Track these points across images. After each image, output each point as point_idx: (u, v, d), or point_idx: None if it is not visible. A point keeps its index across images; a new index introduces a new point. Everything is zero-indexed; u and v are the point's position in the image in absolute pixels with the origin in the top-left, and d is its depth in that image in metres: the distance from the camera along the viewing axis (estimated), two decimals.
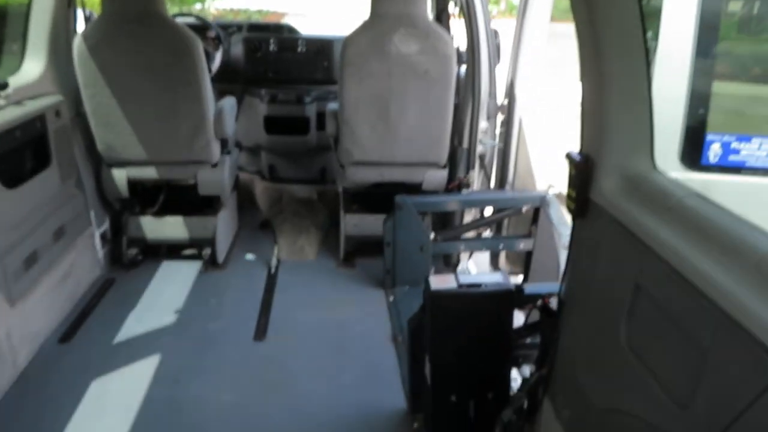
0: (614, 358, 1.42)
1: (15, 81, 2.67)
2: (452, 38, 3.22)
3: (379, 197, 3.44)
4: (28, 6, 2.91)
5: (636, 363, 1.33)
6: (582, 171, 1.61)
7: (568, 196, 1.68)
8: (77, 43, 2.83)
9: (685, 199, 1.28)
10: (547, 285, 2.02)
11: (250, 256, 3.62)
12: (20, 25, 2.94)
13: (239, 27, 4.40)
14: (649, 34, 1.50)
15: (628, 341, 1.38)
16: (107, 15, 2.83)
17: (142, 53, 2.85)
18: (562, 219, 2.87)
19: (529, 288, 1.98)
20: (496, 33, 3.21)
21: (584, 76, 1.62)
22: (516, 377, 2.12)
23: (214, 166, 3.27)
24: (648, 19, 1.50)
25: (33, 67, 2.88)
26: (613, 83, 1.50)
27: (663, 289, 1.25)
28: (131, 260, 3.36)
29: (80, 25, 3.14)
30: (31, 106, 2.66)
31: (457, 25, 3.48)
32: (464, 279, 1.94)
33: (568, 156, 1.64)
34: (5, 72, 2.88)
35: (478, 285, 1.92)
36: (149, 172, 3.21)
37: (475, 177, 3.42)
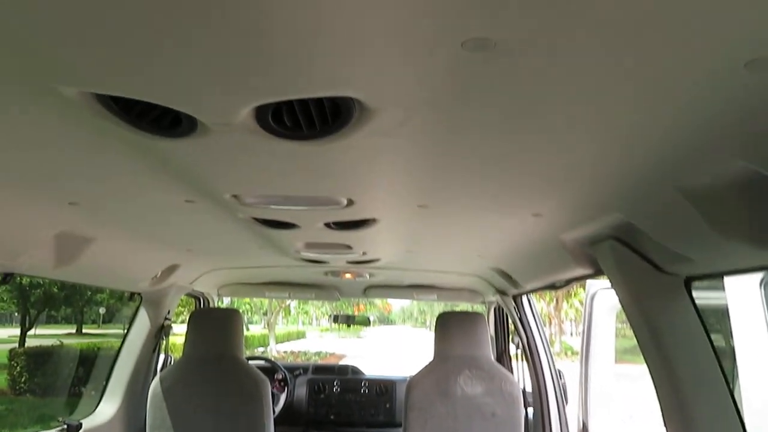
0: None
1: (88, 422, 2.74)
2: (516, 379, 3.21)
3: None
4: (118, 351, 3.16)
5: None
6: None
7: None
8: (154, 385, 2.96)
9: None
10: None
11: None
12: (105, 369, 3.16)
13: (305, 369, 4.55)
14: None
15: None
16: (187, 358, 3.01)
17: (213, 395, 2.93)
18: None
19: None
20: (560, 373, 3.20)
21: (667, 421, 1.55)
22: None
23: None
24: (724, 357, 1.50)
25: (107, 408, 2.98)
26: (699, 428, 1.42)
27: None
28: None
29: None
30: None
31: (520, 366, 3.50)
32: None
33: None
34: (81, 414, 2.97)
35: None
36: None
37: None
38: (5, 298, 16.60)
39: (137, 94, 0.81)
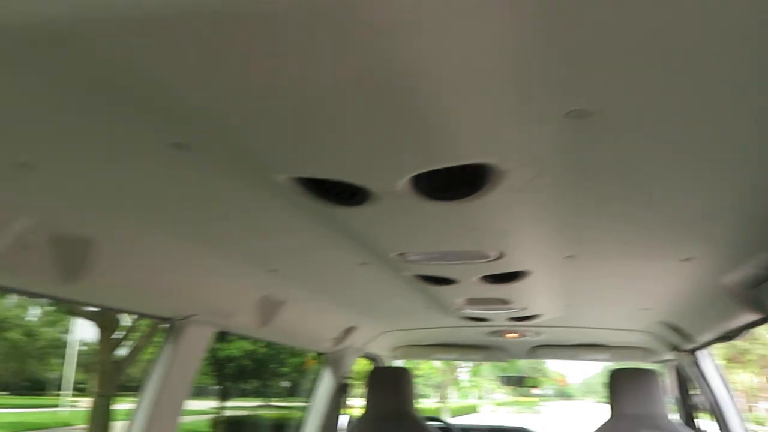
0: None
1: None
2: None
3: None
4: (306, 409, 3.53)
5: None
6: None
7: None
8: None
9: None
10: None
11: None
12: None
13: (479, 431, 4.61)
14: None
15: None
16: (368, 415, 3.27)
17: None
18: None
19: None
20: None
21: None
22: None
23: None
24: None
25: None
26: None
27: None
28: None
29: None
30: None
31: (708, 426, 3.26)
32: None
33: None
34: None
35: None
36: None
37: None
38: (207, 372, 18.57)
39: (327, 174, 1.10)
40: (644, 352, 3.73)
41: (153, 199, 1.35)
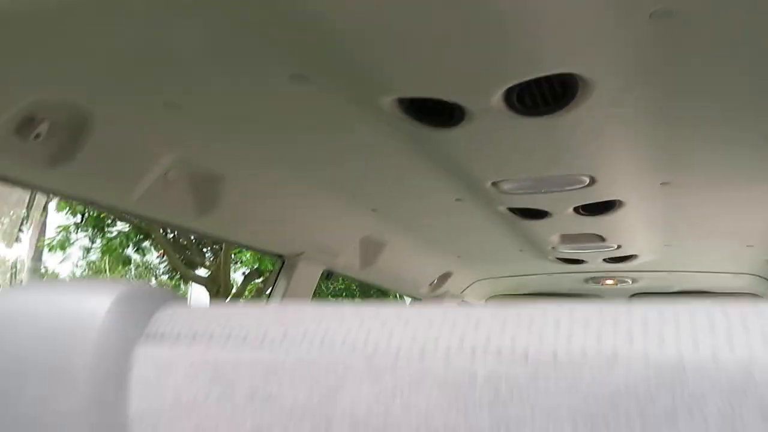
0: None
1: None
2: None
3: None
4: None
5: None
6: None
7: None
8: None
9: None
10: None
11: None
12: None
13: None
14: None
15: None
16: None
17: None
18: None
19: None
20: None
21: None
22: None
23: None
24: None
25: None
26: None
27: None
28: None
29: None
30: None
31: None
32: None
33: None
34: None
35: None
36: None
37: None
38: None
39: (426, 91, 1.21)
40: (754, 298, 3.59)
41: (270, 135, 1.52)
